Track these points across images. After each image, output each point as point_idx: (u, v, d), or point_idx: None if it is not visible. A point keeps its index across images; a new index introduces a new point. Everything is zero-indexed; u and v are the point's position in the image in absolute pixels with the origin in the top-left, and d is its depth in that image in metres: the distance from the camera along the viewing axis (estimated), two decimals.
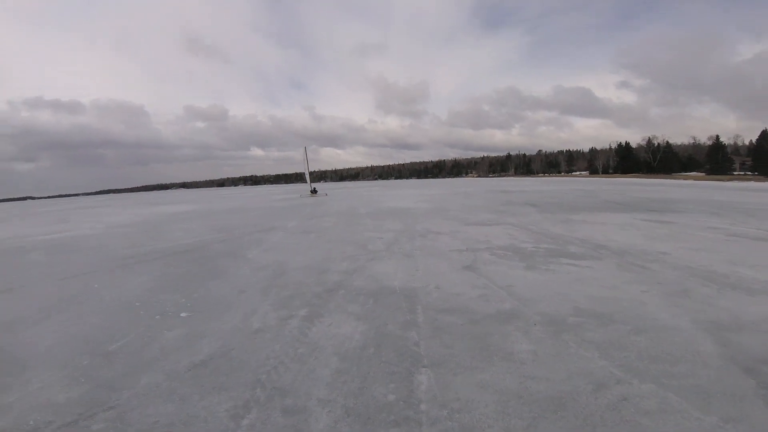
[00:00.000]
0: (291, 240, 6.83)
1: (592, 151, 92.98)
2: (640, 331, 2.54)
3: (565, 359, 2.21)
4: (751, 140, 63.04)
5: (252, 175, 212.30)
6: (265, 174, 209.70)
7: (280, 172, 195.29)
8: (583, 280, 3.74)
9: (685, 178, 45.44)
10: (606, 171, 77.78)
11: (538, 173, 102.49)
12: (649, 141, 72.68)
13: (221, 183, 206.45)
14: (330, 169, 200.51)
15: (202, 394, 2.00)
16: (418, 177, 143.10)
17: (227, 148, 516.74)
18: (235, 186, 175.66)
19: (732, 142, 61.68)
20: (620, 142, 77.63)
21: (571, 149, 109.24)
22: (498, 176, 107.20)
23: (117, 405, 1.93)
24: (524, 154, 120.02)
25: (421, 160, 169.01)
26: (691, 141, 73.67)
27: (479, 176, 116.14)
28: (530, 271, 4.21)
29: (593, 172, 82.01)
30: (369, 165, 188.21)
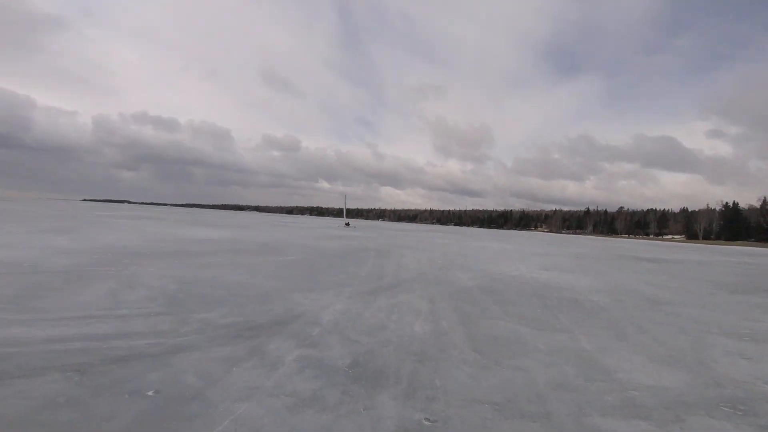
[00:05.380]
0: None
1: (685, 211, 79.30)
2: None
3: None
4: None
5: (318, 206, 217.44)
6: (330, 206, 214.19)
7: (343, 207, 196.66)
8: None
9: None
10: (707, 236, 64.05)
11: (621, 233, 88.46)
12: (765, 202, 60.45)
13: (290, 210, 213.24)
14: (389, 208, 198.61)
15: None
16: (481, 226, 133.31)
17: (298, 177, 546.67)
18: (302, 215, 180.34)
19: None
20: (726, 203, 64.72)
21: (657, 208, 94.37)
22: (572, 233, 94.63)
23: None
24: (605, 210, 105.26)
25: (484, 208, 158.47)
26: None
27: (551, 231, 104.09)
28: None
29: (691, 236, 68.21)
30: (427, 208, 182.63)
